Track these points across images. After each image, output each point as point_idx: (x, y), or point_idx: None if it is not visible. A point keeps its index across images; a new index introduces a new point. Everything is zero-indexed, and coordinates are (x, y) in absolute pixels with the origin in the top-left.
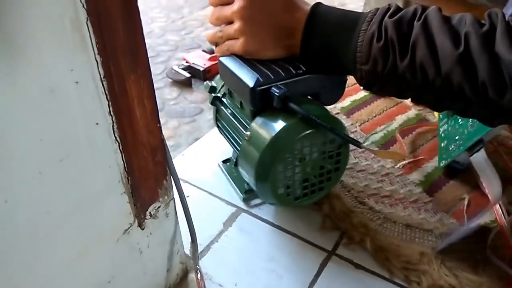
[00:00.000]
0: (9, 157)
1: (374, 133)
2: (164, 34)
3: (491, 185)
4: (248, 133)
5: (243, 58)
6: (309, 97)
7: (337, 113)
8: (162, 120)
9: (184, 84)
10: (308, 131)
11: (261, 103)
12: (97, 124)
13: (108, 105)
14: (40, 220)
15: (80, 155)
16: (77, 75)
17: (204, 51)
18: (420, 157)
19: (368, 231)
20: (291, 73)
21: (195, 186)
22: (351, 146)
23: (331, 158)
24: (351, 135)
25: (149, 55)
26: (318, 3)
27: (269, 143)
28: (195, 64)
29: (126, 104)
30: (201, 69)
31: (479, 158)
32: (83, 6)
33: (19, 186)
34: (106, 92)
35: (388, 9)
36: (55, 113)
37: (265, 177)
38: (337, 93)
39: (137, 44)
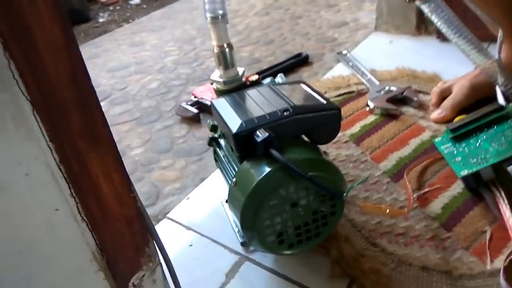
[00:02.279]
0: None
1: (385, 162)
2: (177, 68)
3: None
4: (234, 179)
5: (235, 100)
6: (304, 136)
7: (347, 141)
8: (169, 161)
9: (193, 120)
10: (290, 178)
11: (246, 149)
12: (56, 210)
13: (69, 187)
14: None
15: (41, 244)
16: (27, 167)
17: (212, 84)
18: (436, 186)
19: (380, 278)
20: (276, 116)
21: (198, 233)
22: (360, 178)
23: (325, 202)
24: (362, 165)
25: (161, 91)
26: None
27: (251, 190)
28: (203, 98)
29: (89, 183)
30: (209, 103)
31: None
32: (27, 98)
33: None
34: (65, 175)
35: None
36: (6, 210)
37: (251, 225)
38: (330, 132)
39: (95, 121)
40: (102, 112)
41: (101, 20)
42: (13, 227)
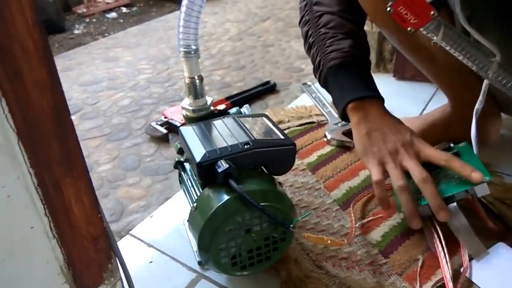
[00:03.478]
0: None
1: (336, 190)
2: (149, 87)
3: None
4: (195, 203)
5: (201, 130)
6: (263, 167)
7: (303, 169)
8: (136, 179)
9: (162, 140)
10: (246, 207)
11: (208, 177)
12: (32, 227)
13: (44, 208)
14: None
15: (15, 257)
16: (9, 189)
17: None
18: (378, 215)
19: None
20: (237, 148)
21: (159, 250)
22: (313, 204)
23: (277, 229)
24: (315, 193)
25: (132, 109)
26: None
27: (210, 216)
28: (172, 119)
29: (62, 205)
30: (178, 124)
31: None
32: (13, 131)
33: None
34: (42, 197)
35: None
36: None
37: (207, 247)
38: (286, 165)
39: (71, 151)
40: (78, 143)
41: (76, 31)
42: None
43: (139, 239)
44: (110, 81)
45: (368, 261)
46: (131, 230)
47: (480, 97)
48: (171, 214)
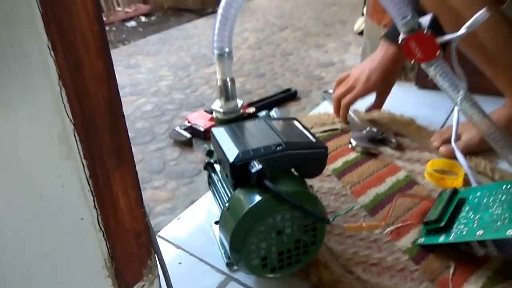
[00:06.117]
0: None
1: (363, 196)
2: (171, 93)
3: None
4: (227, 204)
5: (233, 131)
6: (293, 169)
7: (329, 175)
8: (161, 182)
9: (185, 144)
10: (279, 208)
11: (240, 177)
12: (82, 219)
13: (94, 200)
14: None
15: (65, 248)
16: (64, 179)
17: (205, 111)
18: (407, 222)
19: None
20: (270, 149)
21: (187, 252)
22: (340, 209)
23: (308, 232)
24: (342, 198)
25: (154, 114)
26: None
27: (242, 216)
28: (196, 124)
29: (110, 198)
30: (202, 129)
31: None
32: (71, 121)
33: (8, 281)
34: (92, 189)
35: None
36: (42, 215)
37: (239, 248)
38: (317, 168)
39: (122, 144)
40: (128, 136)
41: None
42: (46, 231)
43: (167, 240)
44: (133, 87)
45: (399, 268)
46: (159, 231)
47: None
48: (198, 217)
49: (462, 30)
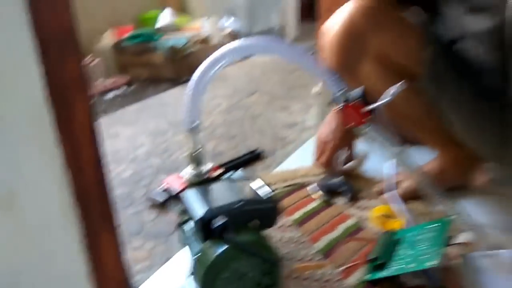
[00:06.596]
0: None
1: (319, 242)
2: (149, 158)
3: None
4: (197, 255)
5: (201, 192)
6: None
7: (290, 225)
8: (139, 242)
9: (162, 206)
10: (239, 256)
11: (207, 231)
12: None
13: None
14: None
15: None
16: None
17: (179, 175)
18: (356, 262)
19: None
20: (232, 206)
21: None
22: (299, 255)
23: (265, 275)
24: (300, 246)
25: (134, 179)
26: None
27: (209, 265)
28: (171, 187)
29: (97, 254)
30: (177, 191)
31: None
32: (72, 195)
33: None
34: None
35: None
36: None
37: None
38: (271, 219)
39: (108, 211)
40: (113, 205)
41: None
42: (52, 276)
43: None
44: (112, 155)
45: None
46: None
47: None
48: (174, 272)
49: (380, 101)
